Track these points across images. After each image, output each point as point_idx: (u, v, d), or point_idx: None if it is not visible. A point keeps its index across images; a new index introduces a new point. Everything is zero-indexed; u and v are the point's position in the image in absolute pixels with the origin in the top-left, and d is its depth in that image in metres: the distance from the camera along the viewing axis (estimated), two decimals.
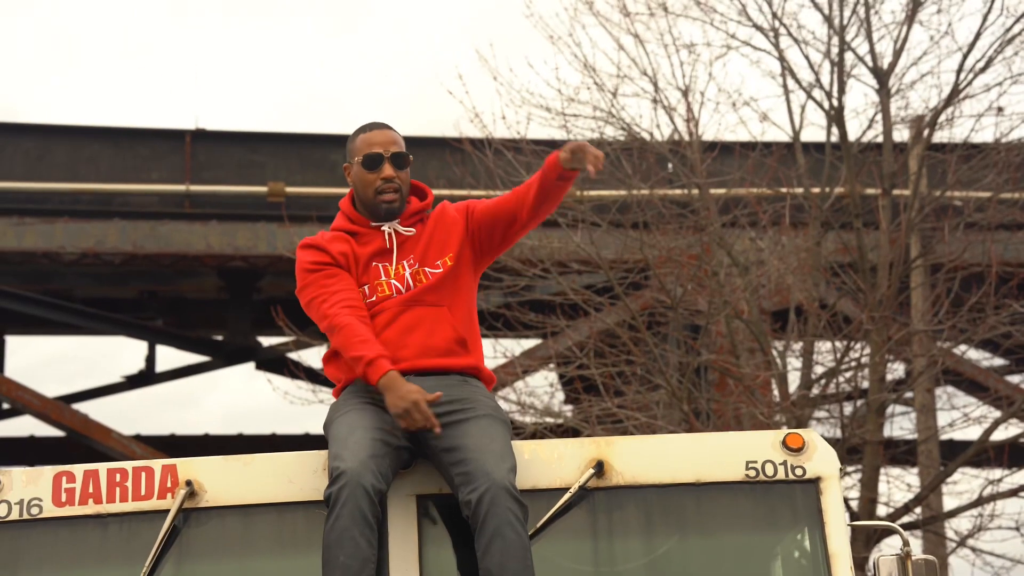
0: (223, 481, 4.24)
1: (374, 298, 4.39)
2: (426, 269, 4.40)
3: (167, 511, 4.16)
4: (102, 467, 4.26)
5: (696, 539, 4.32)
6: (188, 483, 4.21)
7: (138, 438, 16.16)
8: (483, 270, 4.62)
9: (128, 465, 4.28)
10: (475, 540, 4.07)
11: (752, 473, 4.31)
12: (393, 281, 4.39)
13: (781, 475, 4.31)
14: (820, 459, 4.34)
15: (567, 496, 4.24)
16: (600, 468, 4.30)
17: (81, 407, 16.35)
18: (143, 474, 4.24)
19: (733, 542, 4.33)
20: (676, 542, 4.31)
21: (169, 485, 4.22)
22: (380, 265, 4.43)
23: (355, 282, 4.43)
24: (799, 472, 4.31)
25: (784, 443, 4.34)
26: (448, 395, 4.29)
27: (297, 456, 4.32)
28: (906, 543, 4.44)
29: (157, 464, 4.28)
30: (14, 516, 4.16)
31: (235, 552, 4.22)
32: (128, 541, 4.16)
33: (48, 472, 4.24)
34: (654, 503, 4.30)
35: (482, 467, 4.10)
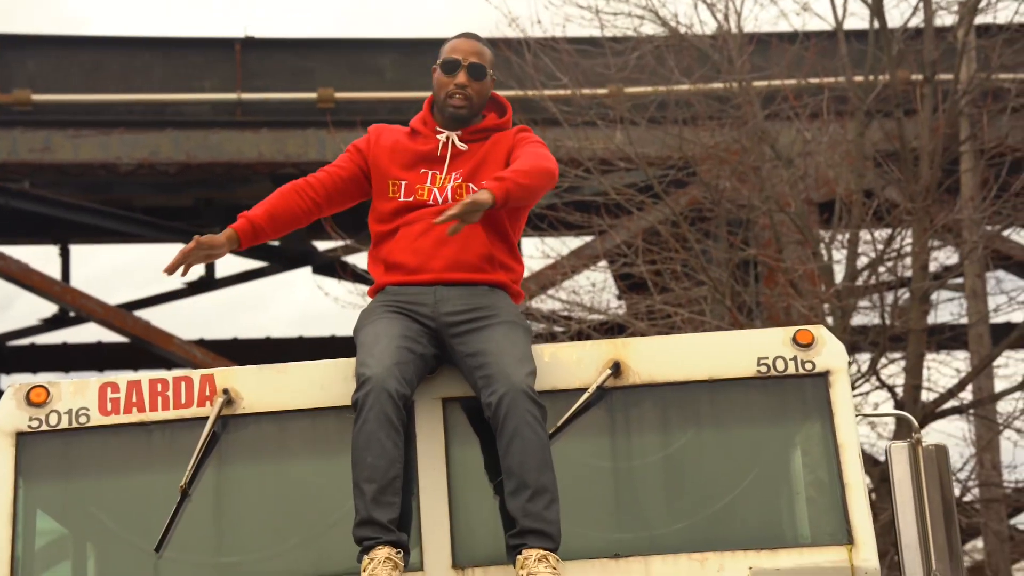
0: (258, 389, 4.46)
1: (412, 198, 4.49)
2: (470, 185, 4.48)
3: (206, 418, 4.39)
4: (144, 377, 4.51)
5: (710, 433, 4.49)
6: (225, 391, 4.44)
7: (200, 343, 16.59)
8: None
9: (169, 375, 4.52)
10: (497, 440, 4.27)
11: (763, 369, 4.46)
12: (435, 190, 4.50)
13: (791, 370, 4.45)
14: (829, 353, 4.47)
15: (586, 395, 4.41)
16: (617, 368, 4.46)
17: (144, 314, 16.79)
18: (183, 384, 4.47)
19: (746, 435, 4.49)
20: (691, 437, 4.49)
21: (208, 393, 4.45)
22: (429, 171, 4.53)
23: (358, 173, 4.58)
24: (809, 367, 4.45)
25: (794, 339, 4.48)
26: (472, 303, 4.45)
27: (328, 364, 4.52)
28: (916, 430, 4.59)
29: (196, 374, 4.51)
30: (64, 425, 4.42)
31: (271, 456, 4.45)
32: (170, 447, 4.41)
33: (94, 383, 4.48)
34: (670, 400, 4.46)
35: (502, 370, 4.28)
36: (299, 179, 4.68)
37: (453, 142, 4.55)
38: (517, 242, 4.68)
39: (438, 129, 4.58)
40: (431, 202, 4.49)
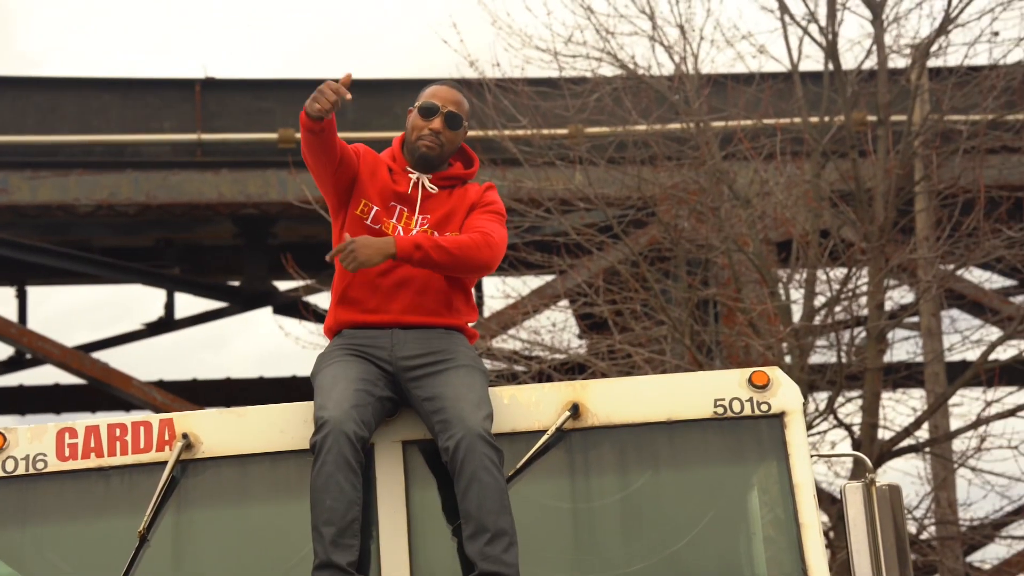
0: (218, 433, 4.47)
1: (378, 226, 4.51)
2: (435, 233, 4.53)
3: (165, 462, 4.39)
4: (102, 422, 4.50)
5: (668, 474, 4.53)
6: (184, 436, 4.44)
7: (160, 384, 16.50)
8: None
9: (127, 420, 4.52)
10: (455, 484, 4.29)
11: (720, 410, 4.51)
12: (399, 227, 4.52)
13: (748, 411, 4.51)
14: (784, 395, 4.53)
15: (545, 437, 4.45)
16: (576, 410, 4.50)
17: (103, 355, 16.70)
18: (142, 428, 4.47)
19: (703, 476, 4.54)
20: (649, 478, 4.52)
21: (167, 438, 4.45)
22: (398, 208, 4.57)
23: (352, 157, 4.53)
24: (764, 408, 4.51)
25: (750, 380, 4.54)
26: (429, 346, 4.49)
27: (287, 407, 4.54)
28: (870, 470, 4.65)
29: (155, 418, 4.51)
30: (21, 471, 4.40)
31: (231, 499, 4.46)
32: (129, 492, 4.40)
33: (52, 428, 4.47)
34: (628, 441, 4.50)
35: (459, 415, 4.31)
36: None
37: (424, 184, 4.60)
38: (471, 288, 4.72)
39: (408, 169, 4.62)
40: (396, 235, 4.50)
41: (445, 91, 4.64)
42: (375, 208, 4.55)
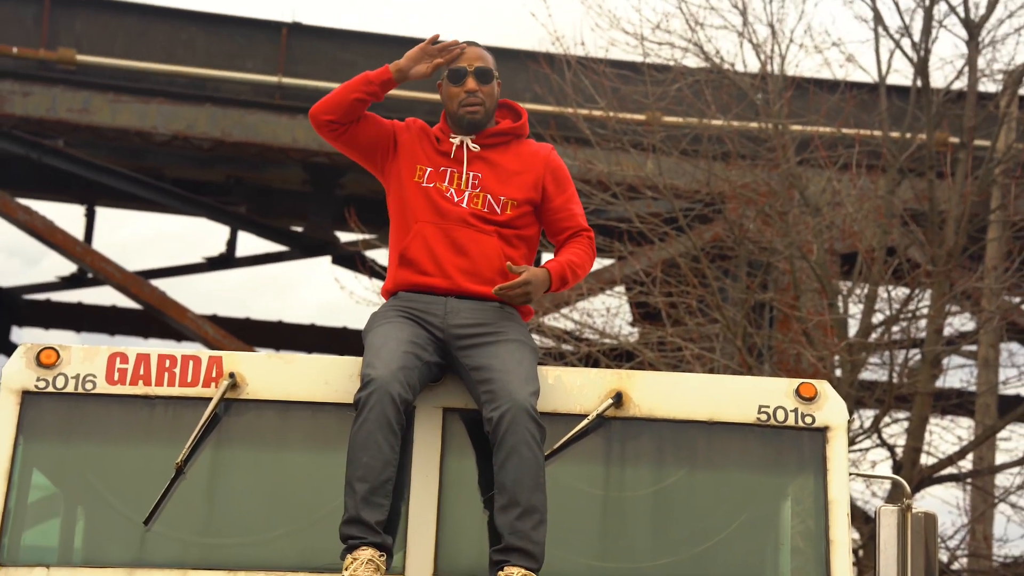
0: (264, 376, 4.51)
1: (432, 185, 4.54)
2: (488, 196, 4.55)
3: (210, 398, 4.45)
4: (153, 351, 4.56)
5: (704, 474, 4.52)
6: (231, 375, 4.49)
7: (213, 319, 16.66)
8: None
9: (178, 352, 4.57)
10: (494, 455, 4.31)
11: (764, 417, 4.49)
12: (453, 190, 4.55)
13: (791, 421, 4.49)
14: (830, 409, 4.50)
15: (585, 422, 4.45)
16: (619, 399, 4.50)
17: (162, 283, 16.89)
18: (191, 362, 4.52)
19: (739, 480, 4.52)
20: (685, 475, 4.52)
21: (214, 375, 4.50)
22: (448, 169, 4.59)
23: (388, 134, 4.65)
24: (808, 420, 4.49)
25: (797, 391, 4.51)
26: (482, 318, 4.50)
27: (335, 360, 4.57)
28: (908, 495, 4.61)
29: (204, 354, 4.56)
30: (70, 389, 4.47)
31: (269, 444, 4.50)
32: (172, 423, 4.46)
33: (104, 351, 4.54)
34: (667, 436, 4.50)
35: (506, 387, 4.32)
36: None
37: (467, 145, 4.60)
38: (533, 261, 4.72)
39: (452, 135, 4.64)
40: (451, 199, 4.54)
41: (466, 51, 4.65)
42: (429, 169, 4.58)
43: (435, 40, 4.61)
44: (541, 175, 4.63)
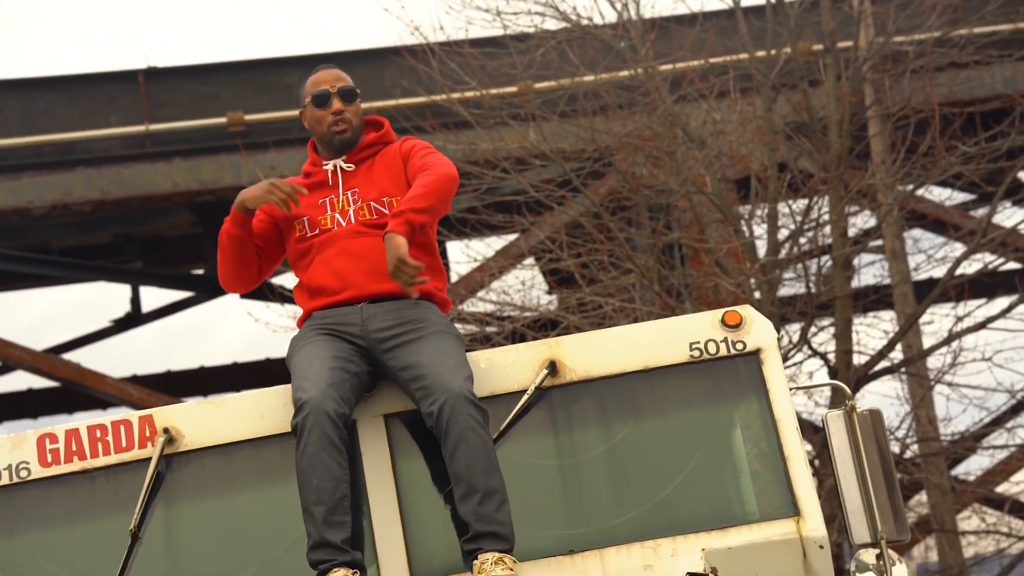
0: (198, 425, 4.46)
1: (316, 232, 4.56)
2: (371, 204, 4.56)
3: (149, 459, 4.38)
4: (82, 424, 4.48)
5: (651, 422, 4.55)
6: (166, 430, 4.43)
7: (134, 379, 16.41)
8: None
9: (107, 419, 4.50)
10: (442, 448, 4.31)
11: (696, 353, 4.53)
12: (336, 215, 4.56)
13: (723, 351, 4.53)
14: (758, 331, 4.55)
15: (526, 397, 4.46)
16: (553, 367, 4.51)
17: (74, 356, 16.60)
18: (122, 427, 4.45)
19: (685, 420, 4.56)
20: (632, 427, 4.54)
21: (148, 434, 4.44)
22: (327, 199, 4.60)
23: (272, 224, 4.67)
24: (740, 346, 4.54)
25: (723, 321, 4.56)
26: (400, 316, 4.49)
27: (266, 392, 4.53)
28: (850, 397, 4.69)
29: (134, 416, 4.49)
30: (5, 481, 4.39)
31: (218, 489, 4.45)
32: (116, 491, 4.39)
33: (31, 435, 4.45)
34: (608, 393, 4.52)
35: (439, 379, 4.32)
36: None
37: (340, 167, 4.62)
38: (437, 249, 4.72)
39: (324, 162, 4.66)
40: (335, 228, 4.55)
41: (324, 74, 4.69)
42: (306, 218, 4.59)
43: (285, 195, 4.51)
44: (402, 163, 4.66)
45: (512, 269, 12.39)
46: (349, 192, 4.58)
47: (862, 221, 12.39)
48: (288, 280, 15.73)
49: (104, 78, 15.69)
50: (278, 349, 18.07)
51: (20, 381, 17.63)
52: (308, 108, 4.66)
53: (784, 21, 11.33)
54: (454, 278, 13.08)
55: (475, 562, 4.20)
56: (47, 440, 4.42)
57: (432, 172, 4.52)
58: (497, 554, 4.19)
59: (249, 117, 15.14)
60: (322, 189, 4.61)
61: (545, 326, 11.43)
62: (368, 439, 4.43)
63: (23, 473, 4.39)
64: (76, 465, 4.41)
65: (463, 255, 12.08)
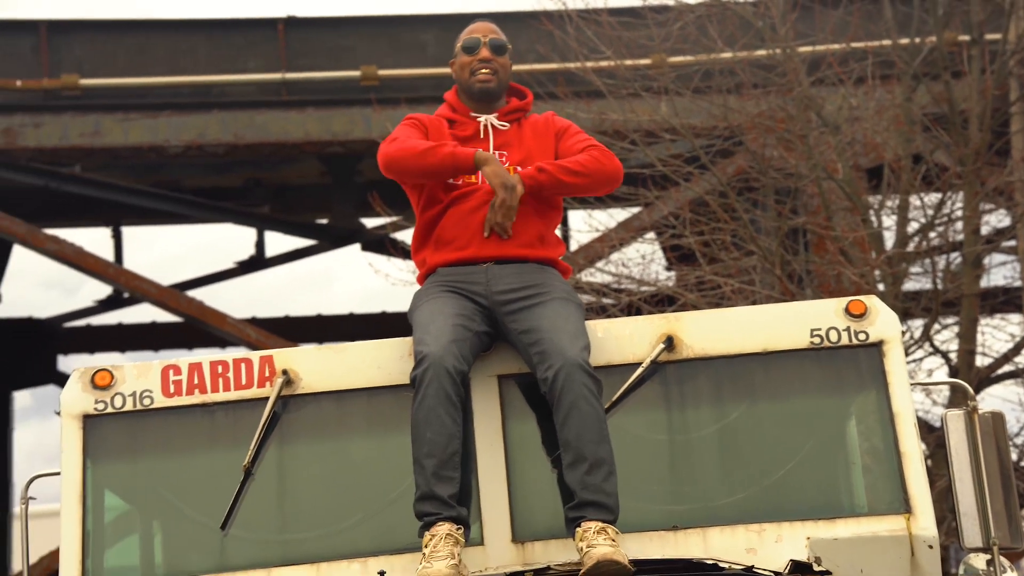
0: (317, 369, 4.53)
1: (460, 182, 4.57)
2: (517, 168, 4.55)
3: (266, 398, 4.47)
4: (204, 359, 4.59)
5: (765, 405, 4.52)
6: (284, 372, 4.52)
7: (253, 321, 16.75)
8: None
9: (229, 357, 4.60)
10: (554, 414, 4.33)
11: (817, 340, 4.48)
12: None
13: (845, 340, 4.47)
14: (882, 323, 4.48)
15: (640, 370, 4.45)
16: (670, 342, 4.50)
17: (198, 293, 16.98)
18: (243, 365, 4.55)
19: (801, 407, 4.52)
20: (746, 409, 4.51)
21: (267, 374, 4.53)
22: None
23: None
24: (862, 336, 4.47)
25: (847, 310, 4.50)
26: (524, 280, 4.51)
27: (385, 343, 4.59)
28: (972, 397, 4.59)
29: (255, 355, 4.59)
30: (128, 407, 4.51)
31: (331, 434, 4.53)
32: (232, 427, 4.49)
33: (156, 365, 4.57)
34: (724, 373, 4.50)
35: (556, 346, 4.33)
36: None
37: (492, 123, 4.61)
38: (557, 223, 4.73)
39: (473, 113, 4.64)
40: (480, 182, 4.55)
41: (479, 25, 4.70)
42: None
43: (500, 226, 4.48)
44: (553, 139, 4.66)
45: (633, 242, 12.34)
46: (498, 153, 4.58)
47: (996, 219, 12.08)
48: (409, 236, 15.88)
49: (245, 24, 15.95)
50: (396, 303, 18.27)
51: (145, 314, 18.15)
52: (457, 55, 4.69)
53: (931, 9, 11.06)
54: (573, 246, 13.06)
55: (578, 530, 4.22)
56: (171, 371, 4.54)
57: (596, 153, 4.54)
58: (600, 524, 4.20)
59: (383, 72, 15.27)
60: (473, 141, 4.60)
61: (661, 302, 11.37)
62: (480, 398, 4.46)
63: (146, 401, 4.52)
64: (197, 398, 4.52)
65: (585, 224, 12.05)
